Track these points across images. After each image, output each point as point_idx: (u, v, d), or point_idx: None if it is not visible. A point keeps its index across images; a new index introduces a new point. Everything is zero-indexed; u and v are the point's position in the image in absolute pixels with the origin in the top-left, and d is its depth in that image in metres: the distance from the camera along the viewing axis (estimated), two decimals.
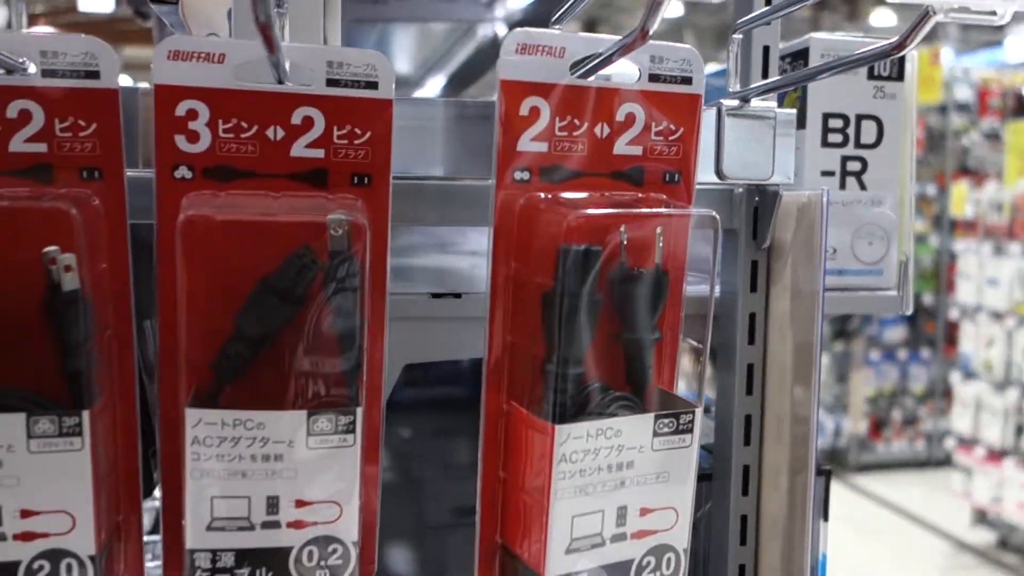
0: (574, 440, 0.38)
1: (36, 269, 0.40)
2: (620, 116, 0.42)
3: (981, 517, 3.34)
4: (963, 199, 3.74)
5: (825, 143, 0.58)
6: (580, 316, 0.38)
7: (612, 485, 0.40)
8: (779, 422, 0.55)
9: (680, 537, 0.42)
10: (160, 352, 0.42)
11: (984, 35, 4.78)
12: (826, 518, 0.60)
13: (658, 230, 0.40)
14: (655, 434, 0.40)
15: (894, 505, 3.69)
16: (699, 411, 0.41)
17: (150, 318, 0.45)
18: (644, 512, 0.41)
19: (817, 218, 0.50)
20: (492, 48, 1.69)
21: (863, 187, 0.59)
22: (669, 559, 0.42)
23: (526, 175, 0.41)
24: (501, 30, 1.64)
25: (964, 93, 4.21)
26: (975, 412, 3.35)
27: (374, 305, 0.43)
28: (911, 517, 3.57)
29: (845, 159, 0.58)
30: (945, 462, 3.88)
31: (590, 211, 0.39)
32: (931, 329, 4.17)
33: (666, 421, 0.40)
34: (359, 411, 0.41)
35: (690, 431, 0.41)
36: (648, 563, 0.41)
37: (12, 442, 0.39)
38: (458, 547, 0.85)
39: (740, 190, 0.53)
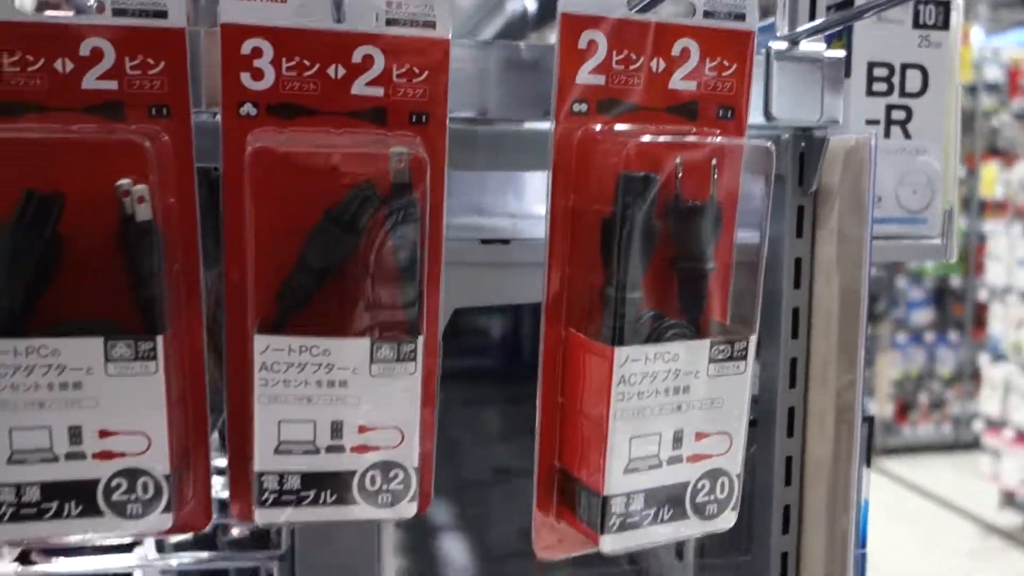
0: (633, 363, 0.39)
1: (110, 201, 0.41)
2: (675, 51, 0.42)
3: (1009, 499, 3.32)
4: (993, 180, 3.70)
5: (870, 92, 0.59)
6: (639, 241, 0.39)
7: (669, 409, 0.41)
8: (824, 367, 0.56)
9: (734, 463, 0.43)
10: (227, 286, 0.43)
11: (1015, 15, 4.71)
12: (868, 464, 0.61)
13: (713, 161, 0.41)
14: (711, 360, 0.41)
15: (920, 488, 3.68)
16: (753, 339, 0.42)
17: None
18: (699, 437, 0.42)
19: (865, 161, 0.51)
20: (521, 23, 1.69)
21: (907, 136, 0.59)
22: (723, 483, 0.43)
23: (584, 107, 0.42)
24: (531, 5, 1.65)
25: (994, 73, 4.15)
26: (1004, 394, 3.32)
27: (432, 243, 0.44)
28: (938, 500, 3.55)
29: (890, 108, 0.59)
30: (972, 445, 3.85)
31: (649, 138, 0.40)
32: (959, 311, 4.13)
33: (721, 348, 0.41)
34: (420, 340, 0.43)
35: (744, 358, 0.42)
36: (703, 486, 0.42)
37: (91, 365, 0.40)
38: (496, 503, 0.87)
39: (786, 136, 0.53)
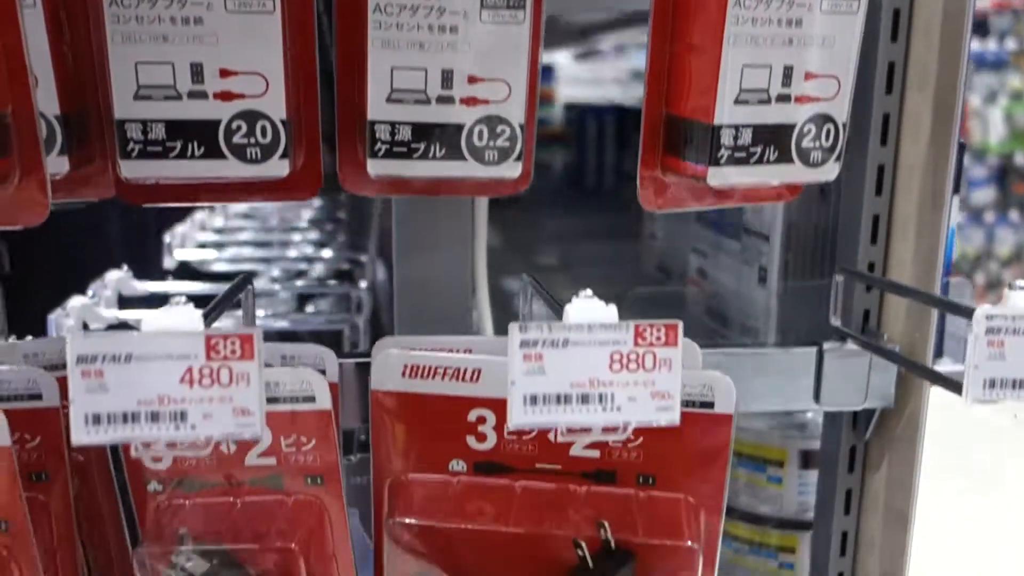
0: None
1: None
2: None
3: None
4: None
5: None
6: None
7: (781, 41, 0.41)
8: (924, 70, 0.55)
9: (840, 109, 0.43)
10: None
11: None
12: (957, 190, 0.61)
13: None
14: None
15: None
16: None
17: None
18: (808, 77, 0.42)
19: None
20: None
21: None
22: (829, 130, 0.43)
23: None
24: None
25: None
26: None
27: None
28: None
29: None
30: None
31: None
32: (1022, 191, 4.01)
33: None
34: None
35: None
36: (809, 130, 0.42)
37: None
38: None
39: None
